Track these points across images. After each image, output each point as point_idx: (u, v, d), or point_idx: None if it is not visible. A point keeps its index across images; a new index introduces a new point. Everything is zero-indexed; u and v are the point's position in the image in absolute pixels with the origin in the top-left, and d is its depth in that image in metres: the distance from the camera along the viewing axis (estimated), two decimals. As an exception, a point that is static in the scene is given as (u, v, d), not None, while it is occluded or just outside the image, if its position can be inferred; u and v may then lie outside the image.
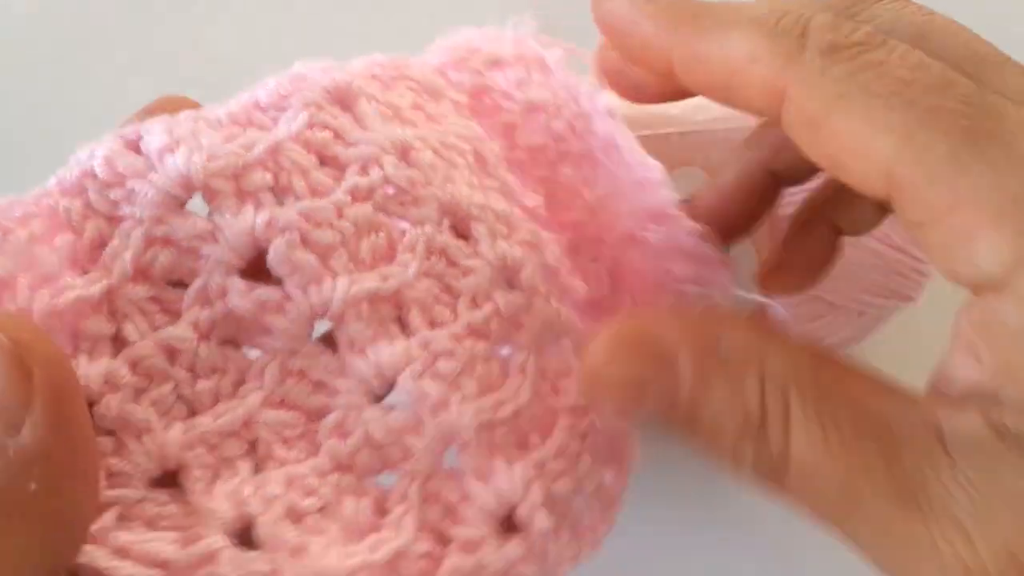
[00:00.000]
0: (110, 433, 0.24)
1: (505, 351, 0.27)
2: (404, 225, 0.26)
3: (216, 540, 0.23)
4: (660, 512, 0.49)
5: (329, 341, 0.26)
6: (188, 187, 0.25)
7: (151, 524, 0.23)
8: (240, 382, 0.26)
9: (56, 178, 0.26)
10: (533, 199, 0.29)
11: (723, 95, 0.24)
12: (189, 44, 0.61)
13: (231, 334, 0.26)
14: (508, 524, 0.26)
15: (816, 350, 0.23)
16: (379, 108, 0.28)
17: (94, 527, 0.22)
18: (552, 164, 0.30)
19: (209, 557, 0.23)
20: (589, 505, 0.27)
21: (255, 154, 0.25)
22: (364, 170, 0.26)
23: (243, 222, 0.25)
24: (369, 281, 0.25)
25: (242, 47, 0.61)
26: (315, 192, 0.26)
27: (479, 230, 0.27)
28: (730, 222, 0.33)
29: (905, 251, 0.40)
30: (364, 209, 0.26)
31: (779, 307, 0.29)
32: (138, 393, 0.24)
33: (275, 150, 0.26)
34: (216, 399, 0.25)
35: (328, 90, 0.28)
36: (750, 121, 0.36)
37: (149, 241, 0.25)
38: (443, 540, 0.25)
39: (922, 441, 0.21)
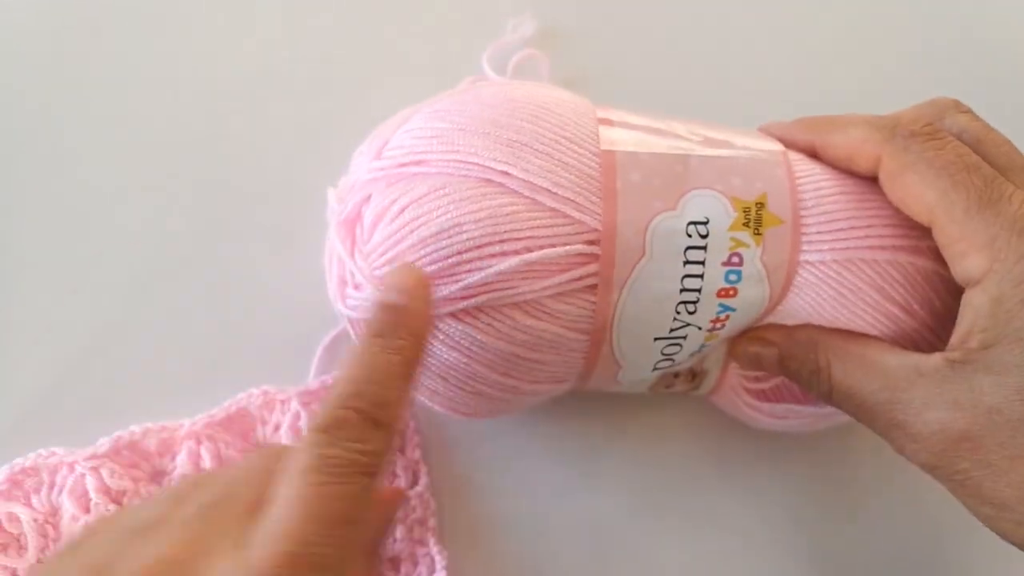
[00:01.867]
0: None
1: None
2: None
3: None
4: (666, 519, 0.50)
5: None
6: None
7: None
8: None
9: None
10: None
11: (845, 164, 0.40)
12: (190, 45, 0.60)
13: None
14: None
15: (850, 335, 0.40)
16: None
17: None
18: None
19: None
20: None
21: None
22: None
23: None
24: None
25: (241, 49, 0.61)
26: None
27: None
28: None
29: (927, 323, 0.41)
30: None
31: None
32: None
33: None
34: None
35: None
36: (773, 154, 0.41)
37: None
38: None
39: (903, 371, 0.37)
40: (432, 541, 0.45)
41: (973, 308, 0.35)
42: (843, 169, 0.40)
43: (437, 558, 0.45)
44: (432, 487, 0.47)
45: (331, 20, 0.62)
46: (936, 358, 0.36)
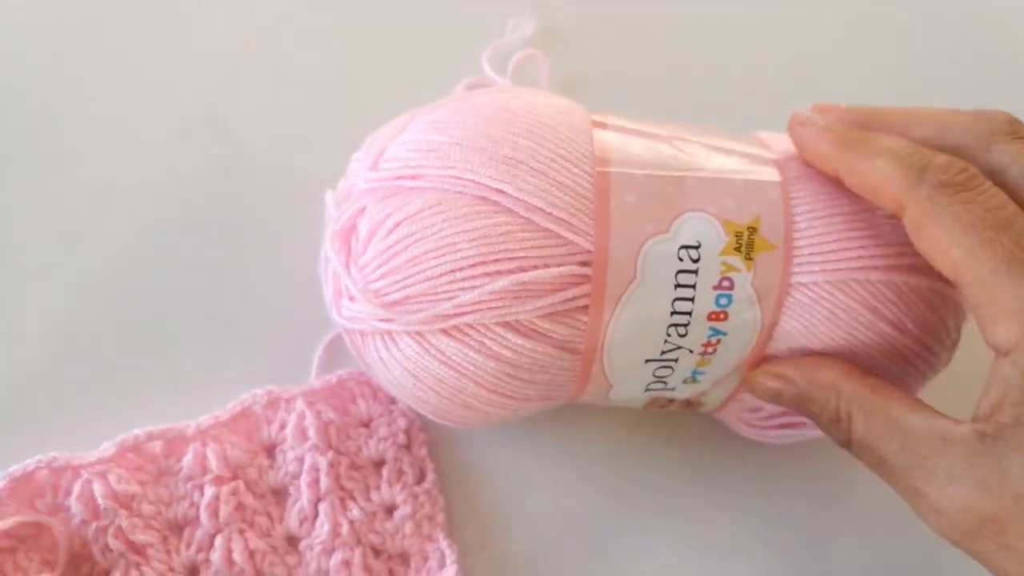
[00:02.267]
0: None
1: None
2: None
3: None
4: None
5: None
6: None
7: None
8: None
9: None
10: None
11: (870, 197, 0.37)
12: (189, 45, 0.61)
13: None
14: None
15: (877, 385, 0.38)
16: None
17: None
18: None
19: None
20: None
21: None
22: None
23: None
24: None
25: (242, 48, 0.61)
26: None
27: None
28: None
29: (920, 340, 0.41)
30: None
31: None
32: None
33: None
34: None
35: None
36: (770, 175, 0.41)
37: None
38: None
39: (927, 436, 0.35)
40: (441, 536, 0.46)
41: (1004, 379, 0.33)
42: (867, 198, 0.38)
43: (447, 552, 0.46)
44: (439, 483, 0.48)
45: (331, 20, 0.62)
46: (965, 429, 0.34)
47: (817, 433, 0.45)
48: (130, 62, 0.59)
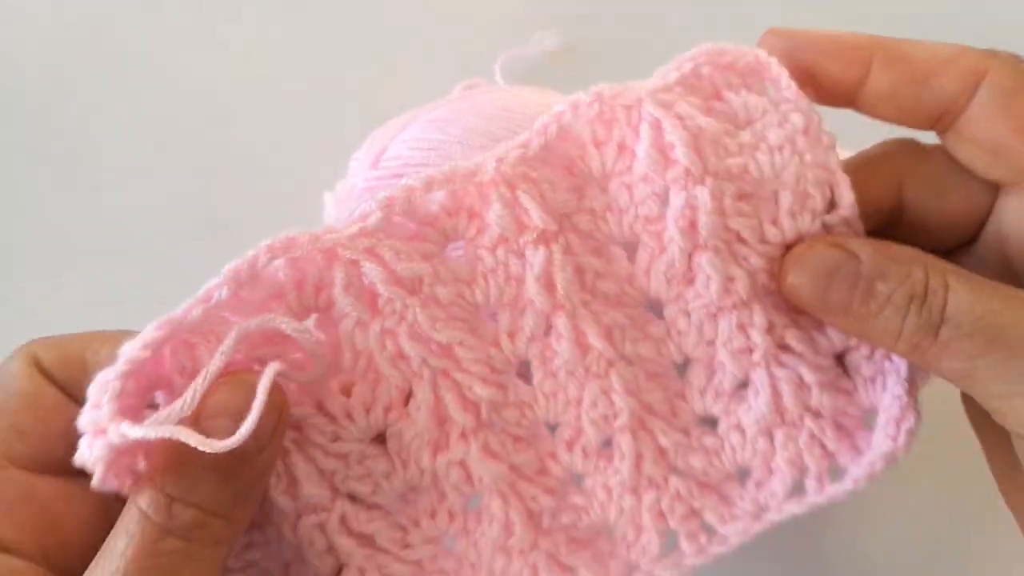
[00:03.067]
0: None
1: None
2: None
3: None
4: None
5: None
6: None
7: None
8: None
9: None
10: None
11: (913, 86, 0.31)
12: (190, 47, 0.61)
13: None
14: None
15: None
16: None
17: None
18: None
19: None
20: None
21: None
22: None
23: None
24: None
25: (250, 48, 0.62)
26: None
27: None
28: None
29: None
30: None
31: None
32: None
33: None
34: None
35: None
36: None
37: None
38: None
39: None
40: None
41: None
42: (903, 89, 0.31)
43: None
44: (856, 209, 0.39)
45: (341, 22, 0.62)
46: None
47: None
48: (131, 63, 0.60)
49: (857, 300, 0.30)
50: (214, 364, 0.28)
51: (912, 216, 0.33)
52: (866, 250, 0.30)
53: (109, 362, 0.28)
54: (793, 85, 0.31)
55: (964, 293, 0.29)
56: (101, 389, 0.27)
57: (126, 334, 0.30)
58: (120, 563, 0.27)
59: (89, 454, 0.27)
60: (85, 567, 0.28)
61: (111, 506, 0.30)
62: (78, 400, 0.30)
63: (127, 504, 0.28)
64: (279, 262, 0.30)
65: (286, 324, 0.29)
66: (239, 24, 0.62)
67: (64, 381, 0.32)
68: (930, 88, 0.31)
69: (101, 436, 0.27)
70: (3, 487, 0.30)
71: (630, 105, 0.31)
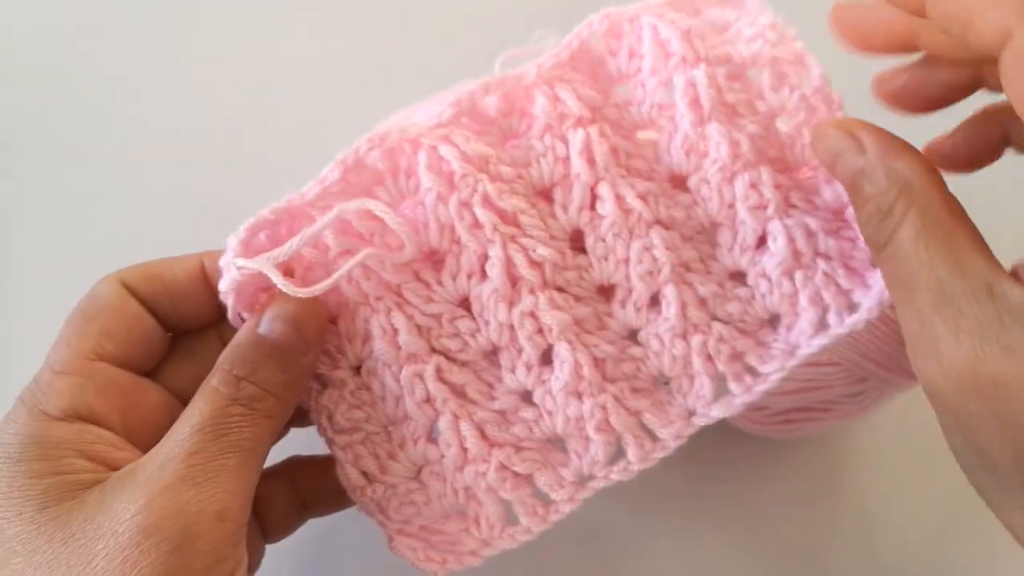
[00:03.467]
0: None
1: None
2: None
3: None
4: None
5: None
6: None
7: None
8: None
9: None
10: None
11: (959, 27, 0.32)
12: (191, 44, 0.63)
13: None
14: None
15: (954, 206, 0.33)
16: None
17: None
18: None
19: None
20: None
21: None
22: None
23: None
24: None
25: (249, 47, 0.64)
26: None
27: None
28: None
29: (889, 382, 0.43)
30: None
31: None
32: None
33: None
34: None
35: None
36: None
37: None
38: None
39: (977, 280, 0.31)
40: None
41: None
42: (950, 30, 0.33)
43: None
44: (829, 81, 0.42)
45: (342, 22, 0.65)
46: (1018, 294, 0.31)
47: (819, 429, 0.47)
48: (131, 63, 0.62)
49: (848, 185, 0.36)
50: (312, 228, 0.36)
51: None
52: (871, 146, 0.34)
53: (184, 277, 0.39)
54: (756, 1, 0.40)
55: (910, 229, 0.33)
56: (234, 238, 0.36)
57: (203, 255, 0.40)
58: (196, 420, 0.35)
59: (222, 287, 0.37)
60: (156, 441, 0.35)
61: (173, 403, 0.39)
62: (156, 313, 0.39)
63: (198, 390, 0.36)
64: (376, 153, 0.38)
65: (375, 206, 0.37)
66: (240, 24, 0.65)
67: (145, 296, 0.39)
68: (971, 32, 0.32)
69: (227, 271, 0.36)
70: (96, 375, 0.37)
71: (631, 19, 0.39)
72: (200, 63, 0.64)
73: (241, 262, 0.35)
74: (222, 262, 0.37)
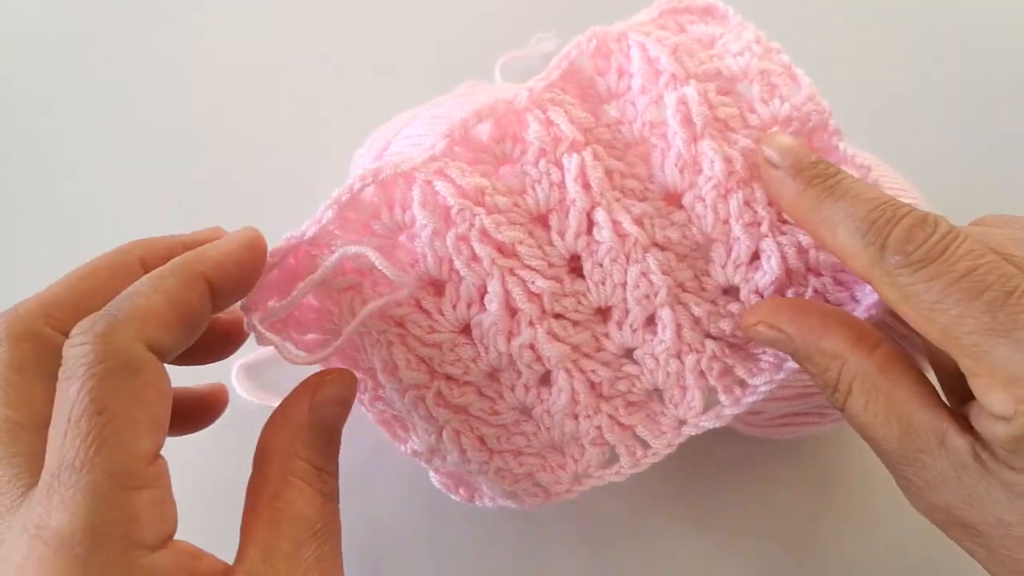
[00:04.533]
0: None
1: None
2: None
3: None
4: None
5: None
6: None
7: None
8: None
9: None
10: None
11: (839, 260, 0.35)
12: (191, 46, 0.64)
13: None
14: None
15: (890, 363, 0.34)
16: None
17: None
18: None
19: None
20: None
21: None
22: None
23: None
24: None
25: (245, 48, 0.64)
26: None
27: None
28: None
29: (907, 338, 0.42)
30: None
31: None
32: None
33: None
34: None
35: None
36: None
37: None
38: None
39: (925, 434, 0.33)
40: (841, 146, 0.39)
41: (1000, 433, 0.31)
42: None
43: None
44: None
45: (343, 23, 0.66)
46: (964, 443, 0.32)
47: (820, 428, 0.47)
48: (132, 64, 0.63)
49: (801, 368, 0.37)
50: (313, 278, 0.36)
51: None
52: (795, 334, 0.36)
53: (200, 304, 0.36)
54: (739, 16, 0.40)
55: (857, 402, 0.35)
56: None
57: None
58: (307, 524, 0.33)
59: (247, 329, 0.37)
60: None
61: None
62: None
63: (274, 476, 0.34)
64: (370, 189, 0.38)
65: (373, 256, 0.37)
66: (241, 25, 0.65)
67: (176, 347, 0.34)
68: (848, 268, 0.35)
69: (248, 327, 0.37)
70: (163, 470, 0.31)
71: (619, 38, 0.39)
72: (200, 63, 0.64)
73: (259, 328, 0.36)
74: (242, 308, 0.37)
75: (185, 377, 0.51)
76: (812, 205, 0.35)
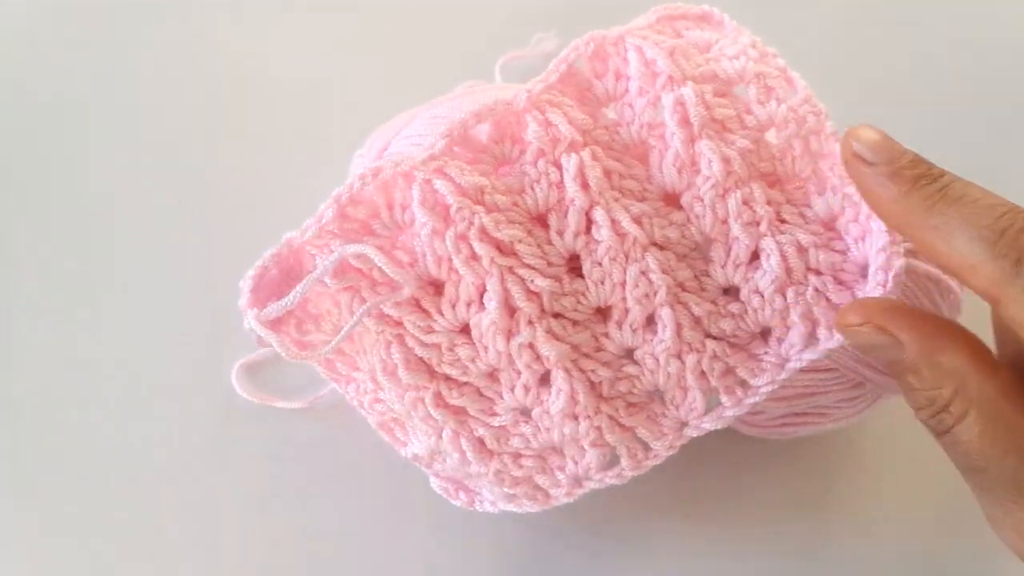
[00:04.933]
0: None
1: None
2: None
3: None
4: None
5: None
6: None
7: None
8: None
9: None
10: None
11: (948, 273, 0.32)
12: (191, 45, 0.64)
13: None
14: None
15: (1010, 388, 0.30)
16: None
17: None
18: None
19: None
20: None
21: None
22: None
23: None
24: None
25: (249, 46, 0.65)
26: None
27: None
28: None
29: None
30: None
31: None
32: None
33: None
34: None
35: None
36: None
37: None
38: None
39: None
40: (836, 147, 0.39)
41: None
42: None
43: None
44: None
45: (342, 23, 0.66)
46: None
47: (820, 428, 0.47)
48: (131, 64, 0.63)
49: (889, 372, 0.34)
50: (313, 277, 0.37)
51: None
52: (910, 343, 0.32)
53: None
54: (735, 23, 0.41)
55: (972, 430, 0.30)
56: (244, 286, 0.37)
57: None
58: None
59: (246, 328, 0.37)
60: None
61: None
62: None
63: None
64: (370, 187, 0.38)
65: (373, 254, 0.37)
66: (240, 24, 0.65)
67: None
68: (961, 280, 0.31)
69: (245, 321, 0.37)
70: None
71: (616, 41, 0.40)
72: (199, 63, 0.64)
73: (252, 321, 0.36)
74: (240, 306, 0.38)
75: (185, 377, 0.52)
76: (918, 210, 0.31)
